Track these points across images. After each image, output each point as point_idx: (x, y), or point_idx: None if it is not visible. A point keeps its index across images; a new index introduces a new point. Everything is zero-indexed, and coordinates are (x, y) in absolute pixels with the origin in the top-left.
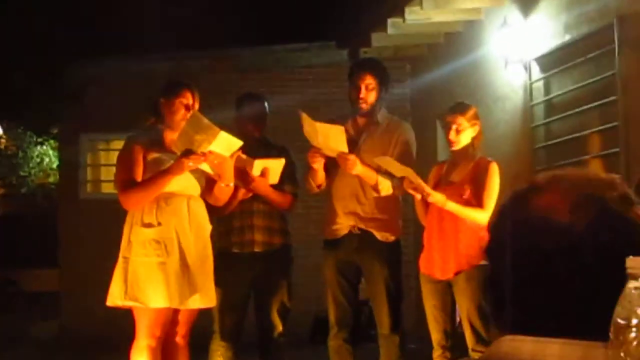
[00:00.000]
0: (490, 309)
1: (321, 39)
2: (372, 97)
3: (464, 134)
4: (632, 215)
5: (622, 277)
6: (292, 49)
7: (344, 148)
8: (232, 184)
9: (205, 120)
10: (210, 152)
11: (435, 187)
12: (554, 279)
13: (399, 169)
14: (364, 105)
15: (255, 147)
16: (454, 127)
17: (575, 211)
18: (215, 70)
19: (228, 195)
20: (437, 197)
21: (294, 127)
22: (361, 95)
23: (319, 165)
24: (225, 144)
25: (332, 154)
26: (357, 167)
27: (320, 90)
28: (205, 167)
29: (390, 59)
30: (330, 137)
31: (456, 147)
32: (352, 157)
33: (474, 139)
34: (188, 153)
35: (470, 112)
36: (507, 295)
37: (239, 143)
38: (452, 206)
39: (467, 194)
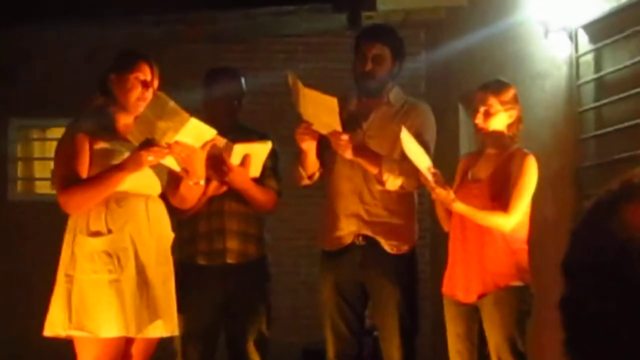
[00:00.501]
0: (566, 346)
1: (314, 0)
2: (381, 72)
3: (496, 120)
4: None
5: None
6: (277, 12)
7: (337, 125)
8: (202, 182)
9: (171, 103)
10: (176, 143)
11: (459, 186)
12: None
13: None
14: (371, 82)
15: (228, 135)
16: (482, 108)
17: None
18: (181, 39)
19: (197, 196)
20: (441, 195)
21: (280, 111)
22: (367, 69)
23: (309, 145)
24: (195, 133)
25: (324, 131)
26: (349, 152)
27: (312, 64)
28: (170, 161)
29: (400, 25)
30: (322, 110)
31: (485, 130)
32: (347, 136)
33: (509, 126)
34: (148, 144)
35: (507, 94)
36: (589, 331)
37: (212, 132)
38: (461, 208)
39: (496, 194)
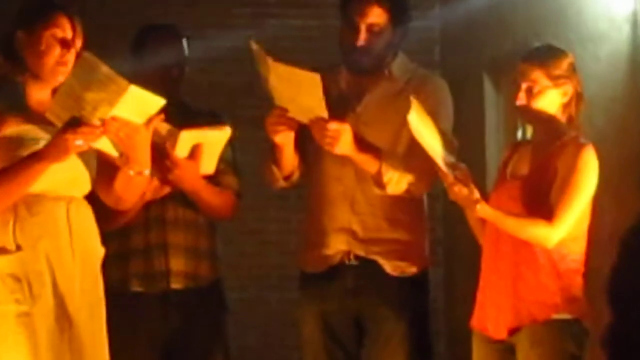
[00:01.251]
0: None
1: None
2: (379, 45)
3: (544, 99)
4: None
5: None
6: None
7: (322, 110)
8: (147, 172)
9: (104, 67)
10: (112, 118)
11: (497, 185)
12: None
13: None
14: (366, 58)
15: (169, 115)
16: (524, 85)
17: None
18: None
19: (139, 192)
20: (461, 194)
21: (241, 84)
22: (360, 43)
23: (284, 138)
24: (136, 105)
25: (305, 119)
26: (344, 143)
27: (287, 20)
28: (104, 144)
29: None
30: (301, 90)
31: (528, 113)
32: (336, 124)
33: (564, 106)
34: (75, 124)
35: (560, 65)
36: None
37: (158, 102)
38: (487, 212)
39: (539, 196)
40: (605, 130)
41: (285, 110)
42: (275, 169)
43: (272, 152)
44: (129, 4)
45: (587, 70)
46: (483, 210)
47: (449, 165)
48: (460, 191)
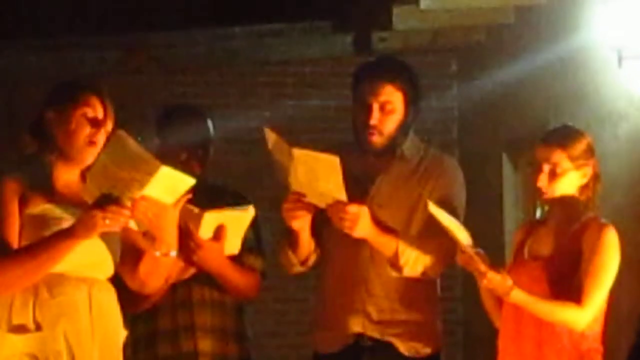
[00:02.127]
0: None
1: (310, 17)
2: (391, 124)
3: (564, 181)
4: None
5: None
6: (259, 33)
7: (340, 193)
8: (174, 253)
9: (136, 146)
10: (142, 198)
11: (513, 266)
12: None
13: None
14: (376, 138)
15: (194, 199)
16: (546, 167)
17: None
18: (128, 66)
19: (165, 275)
20: (495, 281)
21: (263, 163)
22: (372, 122)
23: (301, 224)
24: (167, 185)
25: (322, 204)
26: (363, 226)
27: (305, 100)
28: (132, 224)
29: (425, 50)
30: (318, 175)
31: (549, 195)
32: (354, 207)
33: (583, 188)
34: (104, 202)
35: (580, 146)
36: None
37: (189, 182)
38: (521, 297)
39: (563, 277)
40: (625, 209)
41: (302, 195)
42: (291, 254)
43: (287, 237)
44: (148, 86)
45: (606, 150)
46: (517, 296)
47: (474, 251)
48: (493, 278)
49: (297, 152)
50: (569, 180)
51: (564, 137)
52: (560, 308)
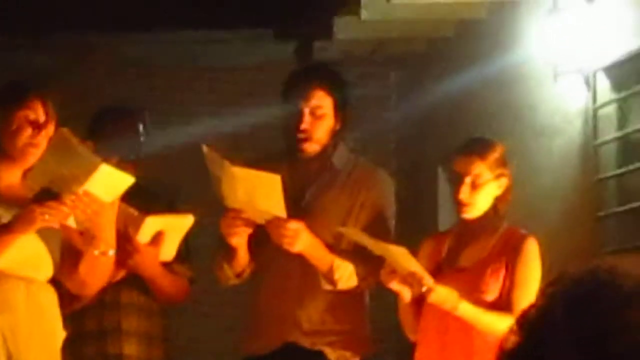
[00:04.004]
0: None
1: (251, 25)
2: (322, 130)
3: (484, 192)
4: None
5: None
6: (201, 39)
7: (280, 210)
8: (112, 252)
9: (78, 144)
10: (85, 193)
11: (436, 276)
12: None
13: (379, 248)
14: (306, 143)
15: (125, 200)
16: (467, 179)
17: None
18: (70, 70)
19: (105, 275)
20: (442, 295)
21: (201, 168)
22: (303, 126)
23: (239, 240)
24: (107, 183)
25: (260, 220)
26: (301, 241)
27: (244, 109)
28: (72, 221)
29: (365, 61)
30: (258, 192)
31: (469, 214)
32: (294, 224)
33: (498, 199)
34: (44, 197)
35: (495, 155)
36: None
37: (128, 180)
38: (468, 310)
39: (492, 287)
40: (559, 220)
41: (240, 212)
42: (227, 267)
43: (224, 251)
44: (93, 85)
45: (541, 164)
46: (465, 309)
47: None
48: (441, 293)
49: (238, 170)
50: (488, 191)
51: (481, 147)
52: (499, 318)
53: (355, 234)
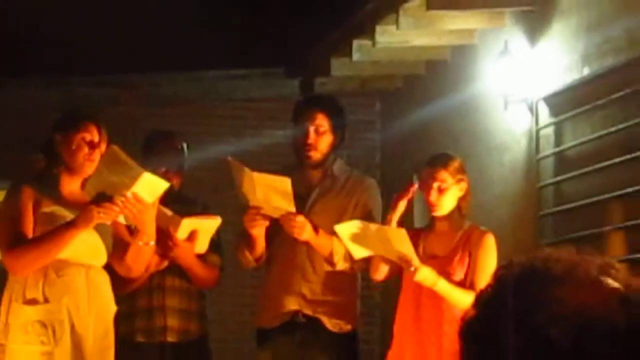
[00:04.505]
0: None
1: (265, 64)
2: (323, 143)
3: (449, 194)
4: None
5: None
6: (226, 76)
7: (291, 207)
8: (152, 243)
9: (125, 158)
10: (132, 195)
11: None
12: None
13: (379, 230)
14: (312, 154)
15: (169, 205)
16: (435, 185)
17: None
18: (119, 102)
19: (146, 261)
20: (425, 273)
21: (227, 179)
22: (309, 141)
23: (259, 231)
24: (149, 187)
25: (275, 215)
26: (307, 232)
27: (262, 132)
28: (121, 218)
29: (355, 93)
30: (272, 193)
31: (439, 212)
32: (301, 218)
33: (460, 199)
34: (100, 199)
35: (455, 164)
36: None
37: (164, 185)
38: (443, 286)
39: (458, 271)
40: (506, 220)
41: (259, 209)
42: (248, 253)
43: (245, 240)
44: (138, 116)
45: (493, 174)
46: (441, 285)
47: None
48: (424, 271)
49: (256, 175)
50: (451, 194)
51: (444, 159)
52: (466, 294)
53: (356, 224)
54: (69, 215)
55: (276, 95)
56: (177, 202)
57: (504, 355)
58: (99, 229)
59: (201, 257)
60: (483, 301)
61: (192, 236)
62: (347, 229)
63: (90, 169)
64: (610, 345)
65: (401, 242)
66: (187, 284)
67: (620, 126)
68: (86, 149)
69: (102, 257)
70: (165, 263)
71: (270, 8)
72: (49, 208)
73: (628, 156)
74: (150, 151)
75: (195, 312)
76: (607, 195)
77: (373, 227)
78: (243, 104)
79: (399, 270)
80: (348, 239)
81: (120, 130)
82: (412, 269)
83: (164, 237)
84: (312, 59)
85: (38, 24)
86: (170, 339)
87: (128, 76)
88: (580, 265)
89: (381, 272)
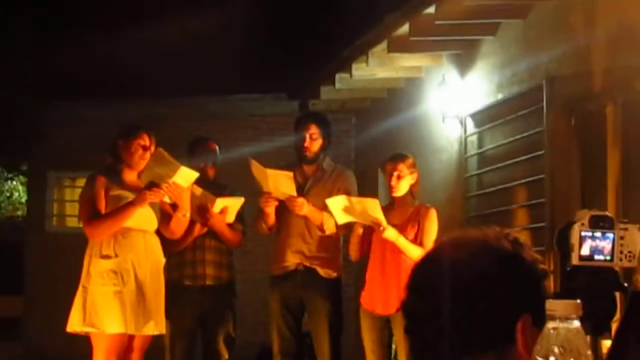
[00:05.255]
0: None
1: (274, 91)
2: (315, 146)
3: (404, 181)
4: (522, 254)
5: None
6: (247, 98)
7: (293, 192)
8: (188, 215)
9: (168, 156)
10: (173, 183)
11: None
12: (466, 302)
13: (358, 201)
14: (308, 153)
15: (206, 189)
16: (395, 173)
17: (472, 258)
18: (175, 116)
19: (184, 227)
20: (391, 232)
21: (247, 173)
22: (306, 144)
23: (271, 209)
24: (184, 177)
25: (282, 197)
26: (305, 209)
27: (272, 137)
28: (166, 198)
29: (337, 111)
30: (280, 182)
31: (397, 193)
32: (300, 199)
33: (412, 186)
34: (151, 186)
35: (409, 161)
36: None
37: (195, 175)
38: (403, 242)
39: (410, 235)
40: (443, 200)
41: (270, 193)
42: (263, 224)
43: (261, 216)
44: (188, 127)
45: (434, 169)
46: (401, 241)
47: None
48: (390, 230)
49: (269, 170)
50: (406, 181)
51: (401, 156)
52: (416, 249)
53: (342, 198)
54: (130, 196)
55: (282, 112)
56: (213, 187)
57: (435, 293)
58: (151, 205)
59: (230, 225)
60: (426, 258)
61: (223, 211)
62: (335, 201)
63: (143, 165)
64: (499, 265)
65: (374, 210)
66: (219, 244)
67: (523, 135)
68: (140, 151)
69: (154, 225)
70: (205, 229)
71: (278, 53)
72: (115, 192)
73: (528, 156)
74: (193, 151)
75: (226, 264)
76: (513, 183)
77: (354, 199)
78: (259, 119)
79: (367, 248)
80: (335, 209)
81: (175, 137)
82: (382, 228)
83: (204, 212)
84: (307, 87)
85: (115, 57)
86: (208, 282)
87: (180, 99)
88: (484, 236)
89: (355, 255)
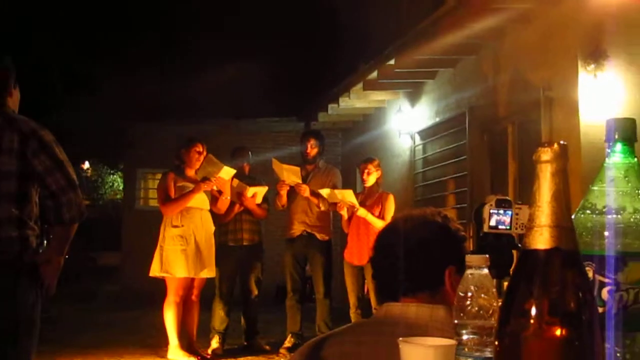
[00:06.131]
0: (374, 284)
1: (287, 115)
2: (314, 152)
3: (372, 176)
4: (449, 225)
5: (431, 255)
6: (270, 120)
7: (299, 181)
8: (229, 197)
9: (215, 159)
10: (219, 177)
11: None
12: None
13: (339, 192)
14: (309, 157)
15: (242, 180)
16: (366, 171)
17: (416, 228)
18: (222, 132)
19: (226, 206)
20: (362, 211)
21: (270, 168)
22: (307, 151)
23: (284, 192)
24: (226, 173)
25: (292, 184)
26: (307, 192)
27: (288, 146)
28: (215, 188)
29: (329, 129)
30: (291, 174)
31: (367, 184)
32: (304, 186)
33: (378, 179)
34: (204, 179)
35: (376, 162)
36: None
37: (233, 171)
38: (371, 217)
39: (376, 212)
40: (399, 189)
41: (284, 181)
42: (278, 202)
43: (278, 197)
44: (231, 140)
45: (394, 169)
46: (370, 217)
47: (350, 204)
48: (362, 209)
49: (285, 165)
50: (374, 176)
51: (370, 159)
52: (379, 221)
53: (330, 191)
54: (190, 186)
55: (292, 129)
56: (247, 179)
57: (392, 252)
58: (205, 192)
59: (258, 205)
60: (385, 229)
61: (254, 195)
62: (326, 190)
63: (198, 165)
64: (434, 232)
65: (350, 196)
66: (251, 217)
67: (452, 145)
68: (197, 156)
69: (207, 205)
70: (241, 208)
71: (291, 90)
72: (180, 183)
73: (455, 159)
74: (235, 156)
75: (256, 231)
76: (446, 177)
77: (337, 191)
78: (277, 134)
79: (349, 221)
80: (326, 194)
81: (221, 147)
82: (356, 209)
83: (240, 196)
84: (310, 113)
85: (181, 90)
86: (245, 243)
87: (224, 120)
88: (424, 213)
89: (345, 229)
